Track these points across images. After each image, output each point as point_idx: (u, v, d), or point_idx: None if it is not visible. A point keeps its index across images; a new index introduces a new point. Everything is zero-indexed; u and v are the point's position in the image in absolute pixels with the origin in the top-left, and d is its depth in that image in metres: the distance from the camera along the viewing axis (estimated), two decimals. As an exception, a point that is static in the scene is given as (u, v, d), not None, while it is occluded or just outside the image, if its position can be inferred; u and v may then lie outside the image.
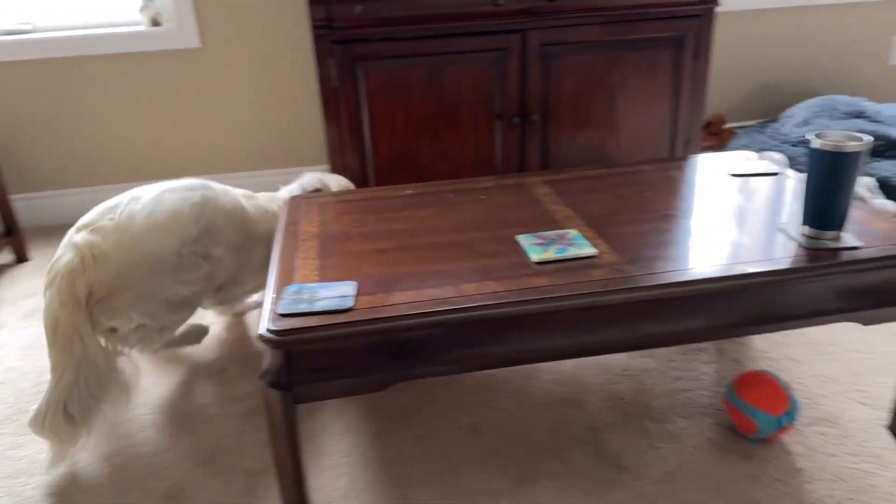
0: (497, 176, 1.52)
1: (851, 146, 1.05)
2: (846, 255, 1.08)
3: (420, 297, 1.00)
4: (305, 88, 2.54)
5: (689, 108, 2.03)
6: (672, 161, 1.59)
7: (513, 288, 1.03)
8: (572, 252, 1.12)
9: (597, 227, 1.23)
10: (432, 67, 1.85)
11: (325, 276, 1.08)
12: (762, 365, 1.46)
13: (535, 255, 1.11)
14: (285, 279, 1.08)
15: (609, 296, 1.02)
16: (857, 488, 1.12)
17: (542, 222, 1.26)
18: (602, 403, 1.37)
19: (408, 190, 1.46)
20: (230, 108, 2.52)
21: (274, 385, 0.96)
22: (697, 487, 1.14)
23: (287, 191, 1.66)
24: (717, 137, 2.88)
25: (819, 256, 1.08)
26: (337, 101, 1.83)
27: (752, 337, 1.57)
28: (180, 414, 1.41)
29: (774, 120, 2.79)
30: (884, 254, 1.08)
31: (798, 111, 2.61)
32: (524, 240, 1.18)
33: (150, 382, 1.52)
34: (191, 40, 2.39)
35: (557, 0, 1.80)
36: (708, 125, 2.93)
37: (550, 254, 1.12)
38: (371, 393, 1.01)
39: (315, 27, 1.76)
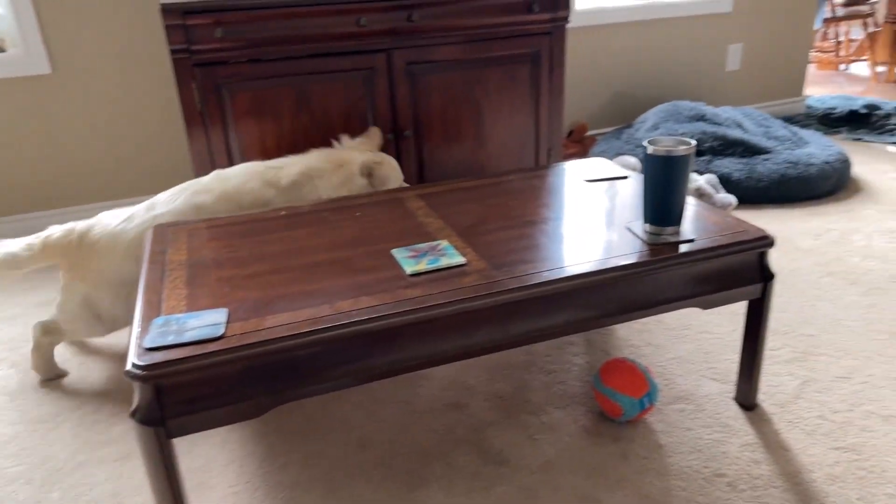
0: (370, 193, 1.56)
1: (680, 150, 1.18)
2: (684, 248, 1.21)
3: (294, 318, 1.01)
4: (169, 112, 2.46)
5: (549, 120, 2.16)
6: (535, 170, 1.70)
7: (388, 301, 1.06)
8: (444, 262, 1.17)
9: (467, 236, 1.30)
10: (301, 88, 1.86)
11: (195, 305, 1.07)
12: (626, 352, 1.59)
13: (409, 268, 1.16)
14: (152, 311, 1.05)
15: (477, 301, 1.08)
16: (711, 456, 1.25)
17: (416, 235, 1.31)
18: (484, 403, 1.43)
19: (282, 211, 1.47)
20: (88, 136, 2.39)
21: (145, 422, 0.94)
22: (573, 472, 1.23)
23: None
24: (581, 145, 3.08)
25: (661, 250, 1.20)
26: (202, 125, 1.80)
27: (616, 327, 1.70)
28: (49, 464, 1.33)
29: (629, 126, 3.03)
30: (716, 244, 1.22)
31: (649, 116, 2.84)
32: (398, 253, 1.22)
33: (14, 431, 1.42)
34: (40, 66, 2.25)
35: (418, 21, 1.87)
36: (571, 134, 3.13)
37: (423, 265, 1.16)
38: (251, 419, 1.01)
39: (174, 52, 1.72)
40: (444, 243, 1.25)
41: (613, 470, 1.23)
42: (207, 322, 1.00)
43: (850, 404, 1.36)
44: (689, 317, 1.72)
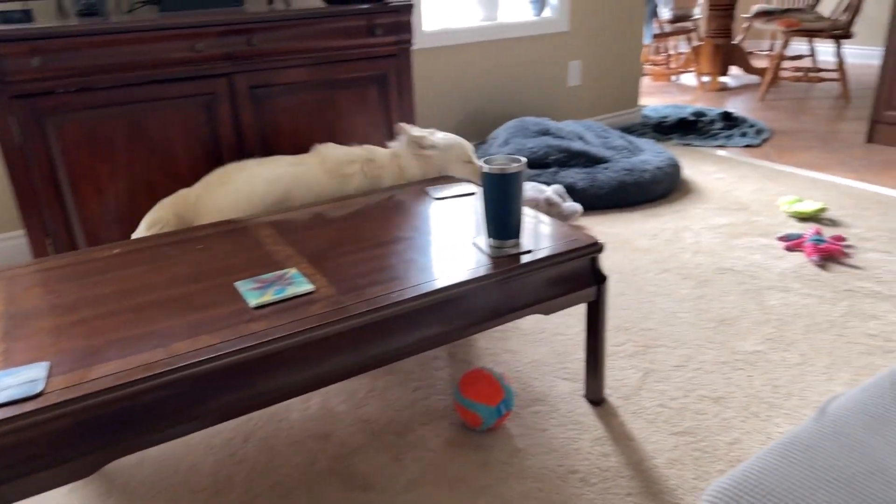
0: (215, 223, 1.50)
1: (512, 168, 1.24)
2: (524, 259, 1.27)
3: (125, 365, 0.95)
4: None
5: (403, 138, 2.19)
6: (386, 191, 1.71)
7: (229, 337, 1.03)
8: (291, 291, 1.15)
9: (317, 262, 1.28)
10: (136, 116, 1.76)
11: (11, 361, 0.97)
12: (486, 360, 1.64)
13: (253, 300, 1.13)
14: (-42, 373, 0.95)
15: (325, 328, 1.07)
16: (565, 454, 1.32)
17: (263, 265, 1.28)
18: (350, 429, 1.42)
19: (115, 249, 1.38)
20: None
21: (-46, 497, 0.84)
22: (437, 487, 1.24)
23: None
24: (440, 160, 3.15)
25: (503, 263, 1.26)
26: (25, 161, 1.65)
27: (476, 337, 1.75)
28: None
29: (483, 142, 3.14)
30: (552, 252, 1.29)
31: (500, 133, 2.97)
32: (242, 286, 1.18)
33: None
34: None
35: (259, 45, 1.84)
36: (431, 150, 3.19)
37: (269, 296, 1.14)
38: (85, 477, 0.93)
39: (-16, 81, 1.57)
40: (291, 271, 1.23)
41: (476, 479, 1.26)
42: (24, 379, 0.92)
43: (686, 391, 1.49)
44: (544, 321, 1.80)
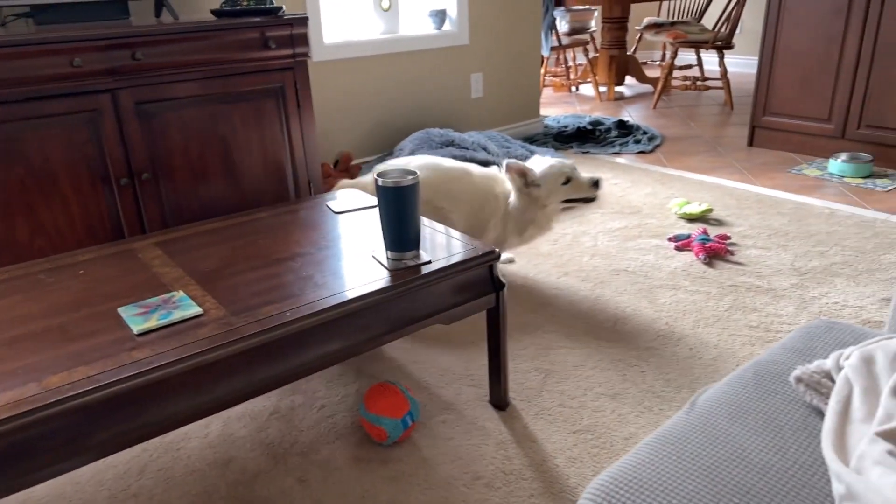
0: (99, 246, 1.42)
1: (408, 181, 1.25)
2: (423, 270, 1.28)
3: (-11, 404, 0.88)
4: None
5: (304, 153, 2.17)
6: (286, 206, 1.68)
7: (109, 367, 0.98)
8: (177, 315, 1.11)
9: (207, 283, 1.24)
10: (11, 135, 1.65)
11: None
12: (395, 373, 1.64)
13: (137, 326, 1.08)
14: None
15: (213, 352, 1.03)
16: (470, 461, 1.33)
17: (149, 289, 1.22)
18: (252, 453, 1.38)
19: (-16, 279, 1.28)
20: None
21: None
22: (343, 506, 1.23)
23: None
24: (347, 174, 3.13)
25: (402, 275, 1.26)
26: None
27: (385, 349, 1.74)
28: None
29: (390, 153, 3.15)
30: (450, 262, 1.31)
31: (406, 144, 2.98)
32: (125, 311, 1.13)
33: None
34: None
35: (144, 59, 1.76)
36: (337, 163, 3.17)
37: (153, 321, 1.09)
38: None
39: None
40: (178, 294, 1.18)
41: (383, 494, 1.25)
42: None
43: (584, 389, 1.55)
44: (450, 329, 1.82)
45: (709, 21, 5.90)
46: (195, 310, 1.12)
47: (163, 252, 1.39)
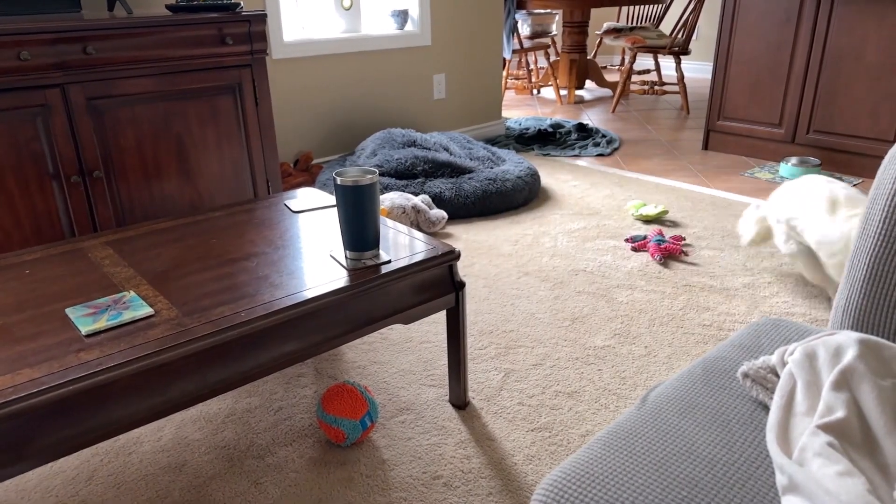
0: (46, 245, 1.38)
1: (366, 180, 1.24)
2: (382, 269, 1.28)
3: (-76, 409, 0.85)
4: None
5: (262, 151, 2.14)
6: (243, 205, 1.66)
7: (55, 370, 0.95)
8: (128, 315, 1.08)
9: (159, 283, 1.21)
10: (-50, 130, 1.58)
11: None
12: (353, 374, 1.63)
13: (85, 327, 1.05)
14: None
15: (165, 354, 1.01)
16: (430, 461, 1.33)
17: (99, 289, 1.19)
18: (206, 457, 1.35)
19: (-79, 280, 1.23)
20: None
21: None
22: (299, 508, 1.21)
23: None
24: (308, 173, 3.10)
25: (360, 275, 1.25)
26: None
27: (344, 350, 1.73)
28: None
29: (352, 153, 3.13)
30: (410, 262, 1.31)
31: (368, 144, 2.97)
32: (73, 312, 1.10)
33: None
34: None
35: (96, 54, 1.72)
36: (296, 163, 3.13)
37: (102, 322, 1.06)
38: None
39: None
40: (129, 294, 1.15)
41: (340, 496, 1.24)
42: None
43: (542, 387, 1.56)
44: (411, 330, 1.82)
45: (666, 27, 6.03)
46: (146, 310, 1.09)
47: (113, 251, 1.36)
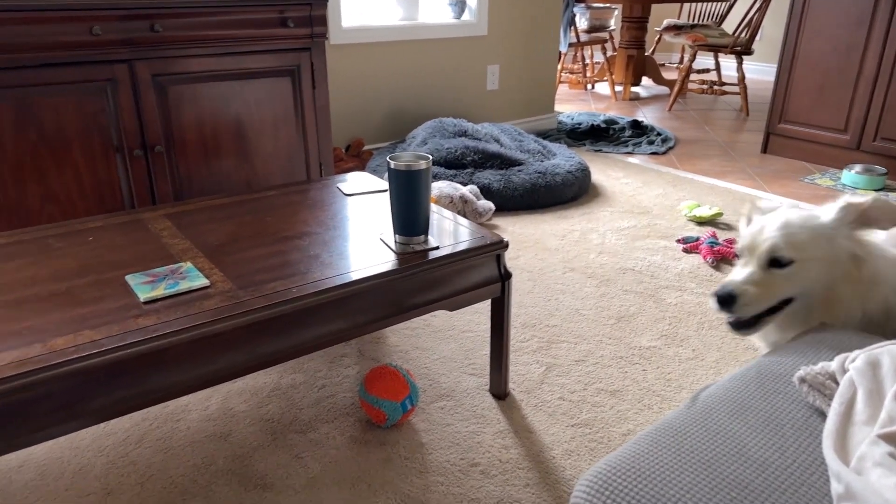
0: (108, 214, 1.43)
1: (419, 165, 1.25)
2: (430, 255, 1.28)
3: (-5, 361, 0.89)
4: None
5: (317, 134, 2.17)
6: (296, 185, 1.68)
7: (114, 333, 0.98)
8: (184, 286, 1.12)
9: (214, 257, 1.24)
10: (25, 101, 1.65)
11: None
12: (396, 357, 1.64)
13: (144, 295, 1.08)
14: None
15: (219, 324, 1.04)
16: (467, 448, 1.34)
17: (157, 259, 1.23)
18: (250, 428, 1.39)
19: (-6, 241, 1.29)
20: None
21: None
22: (337, 485, 1.23)
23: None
24: (358, 159, 3.13)
25: (409, 259, 1.26)
26: None
27: (387, 333, 1.75)
28: None
29: (402, 141, 3.15)
30: (458, 249, 1.31)
31: (419, 132, 2.98)
32: (133, 279, 1.13)
33: None
34: None
35: (163, 32, 1.76)
36: (349, 148, 3.17)
37: (160, 291, 1.10)
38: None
39: None
40: (186, 265, 1.19)
41: (377, 475, 1.26)
42: None
43: (584, 384, 1.55)
44: (454, 318, 1.82)
45: (729, 26, 5.86)
46: (202, 281, 1.12)
47: (172, 224, 1.40)
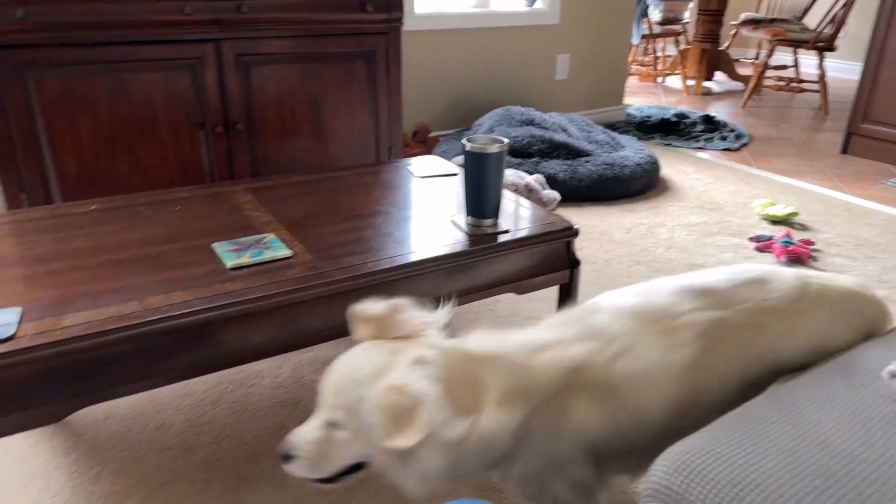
0: (193, 186, 1.50)
1: (494, 148, 1.26)
2: (500, 238, 1.30)
3: (96, 316, 0.95)
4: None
5: (389, 118, 2.20)
6: (369, 166, 1.72)
7: (203, 295, 1.03)
8: (268, 255, 1.16)
9: (295, 230, 1.29)
10: (119, 76, 1.74)
11: (-18, 305, 0.97)
12: (458, 341, 1.66)
13: (230, 261, 1.13)
14: (-73, 314, 0.94)
15: (301, 292, 1.08)
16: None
17: (241, 229, 1.28)
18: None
19: (92, 205, 1.37)
20: None
21: (-82, 434, 0.84)
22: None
23: None
24: (424, 145, 3.16)
25: (479, 240, 1.28)
26: (3, 114, 1.63)
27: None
28: None
29: (468, 128, 3.16)
30: (528, 234, 1.32)
31: (485, 120, 2.98)
32: (219, 247, 1.19)
33: None
34: None
35: (248, 12, 1.83)
36: (415, 134, 3.20)
37: (246, 258, 1.15)
38: (49, 425, 0.94)
39: (-36, 29, 1.54)
40: (269, 236, 1.24)
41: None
42: (-6, 323, 0.91)
43: (649, 376, 1.53)
44: (517, 305, 1.83)
45: (810, 22, 5.61)
46: (285, 251, 1.17)
47: (253, 198, 1.45)
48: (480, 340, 0.91)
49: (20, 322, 0.93)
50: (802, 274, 0.96)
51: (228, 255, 1.15)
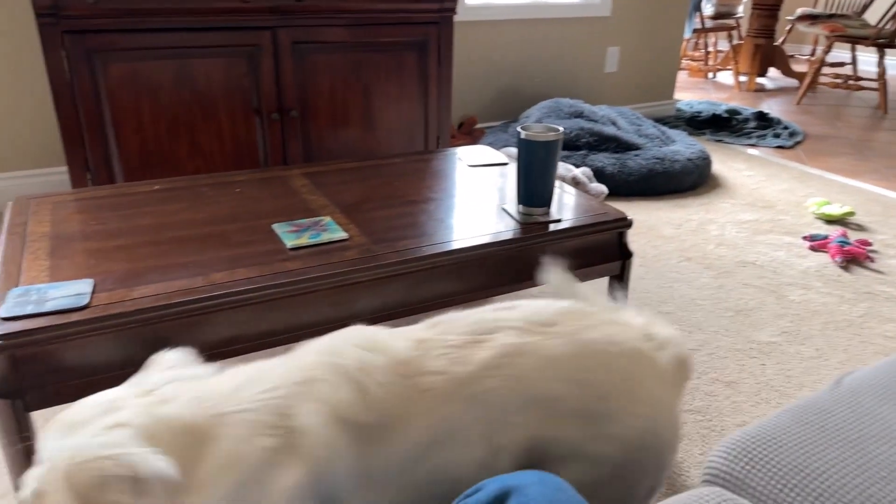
0: (250, 170, 1.54)
1: (549, 136, 1.26)
2: (552, 227, 1.30)
3: (165, 289, 0.99)
4: (37, 81, 2.29)
5: (438, 108, 2.22)
6: (419, 154, 1.74)
7: (265, 273, 1.07)
8: (326, 237, 1.19)
9: (350, 214, 1.32)
10: (181, 61, 1.80)
11: (58, 276, 1.02)
12: (504, 330, 1.67)
13: (290, 242, 1.16)
14: (10, 282, 1.00)
15: (357, 274, 1.10)
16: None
17: (298, 211, 1.31)
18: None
19: (156, 185, 1.42)
20: (-62, 104, 2.18)
21: (1, 394, 0.89)
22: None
23: None
24: (470, 136, 3.17)
25: (531, 229, 1.28)
26: (71, 95, 1.70)
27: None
28: None
29: (515, 120, 3.15)
30: (580, 223, 1.32)
31: (533, 112, 2.97)
32: (279, 228, 1.22)
33: None
34: None
35: (304, 1, 1.86)
36: (461, 125, 3.21)
37: (304, 239, 1.18)
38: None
39: (40, 16, 1.61)
40: (326, 219, 1.26)
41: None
42: (71, 292, 0.96)
43: (699, 372, 1.51)
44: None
45: (871, 17, 5.41)
46: (342, 234, 1.20)
47: (309, 182, 1.48)
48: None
49: (93, 292, 0.97)
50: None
51: (288, 235, 1.19)
